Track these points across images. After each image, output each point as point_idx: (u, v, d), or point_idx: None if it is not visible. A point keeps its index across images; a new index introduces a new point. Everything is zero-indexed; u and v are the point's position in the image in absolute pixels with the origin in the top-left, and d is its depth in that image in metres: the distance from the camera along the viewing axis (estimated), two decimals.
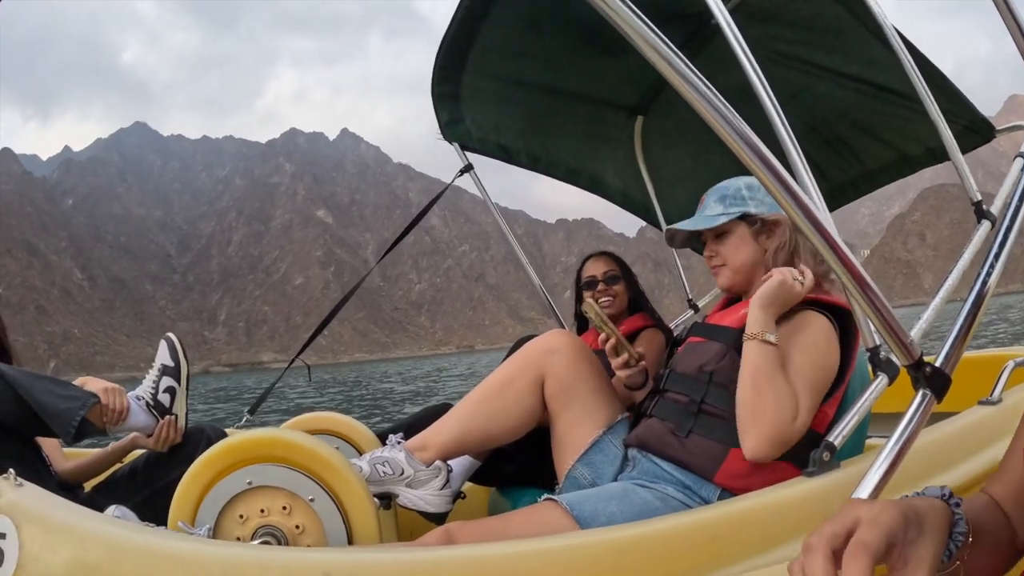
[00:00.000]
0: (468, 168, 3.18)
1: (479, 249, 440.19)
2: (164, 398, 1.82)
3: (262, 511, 1.37)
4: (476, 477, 2.02)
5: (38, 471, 1.75)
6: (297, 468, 1.39)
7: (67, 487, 2.00)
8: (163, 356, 1.85)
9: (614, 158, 3.37)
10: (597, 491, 1.54)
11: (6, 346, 2.14)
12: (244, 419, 2.91)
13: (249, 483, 1.36)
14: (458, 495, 1.81)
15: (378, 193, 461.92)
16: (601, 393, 1.78)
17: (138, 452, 2.07)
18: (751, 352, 1.50)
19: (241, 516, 1.38)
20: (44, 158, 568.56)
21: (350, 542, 1.38)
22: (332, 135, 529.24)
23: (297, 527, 1.37)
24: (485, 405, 1.75)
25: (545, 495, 1.51)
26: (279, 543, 1.35)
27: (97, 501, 1.79)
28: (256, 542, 1.34)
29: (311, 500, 1.37)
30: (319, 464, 1.40)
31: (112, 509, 1.40)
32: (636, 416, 1.79)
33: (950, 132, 2.01)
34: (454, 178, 3.28)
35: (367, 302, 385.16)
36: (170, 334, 1.88)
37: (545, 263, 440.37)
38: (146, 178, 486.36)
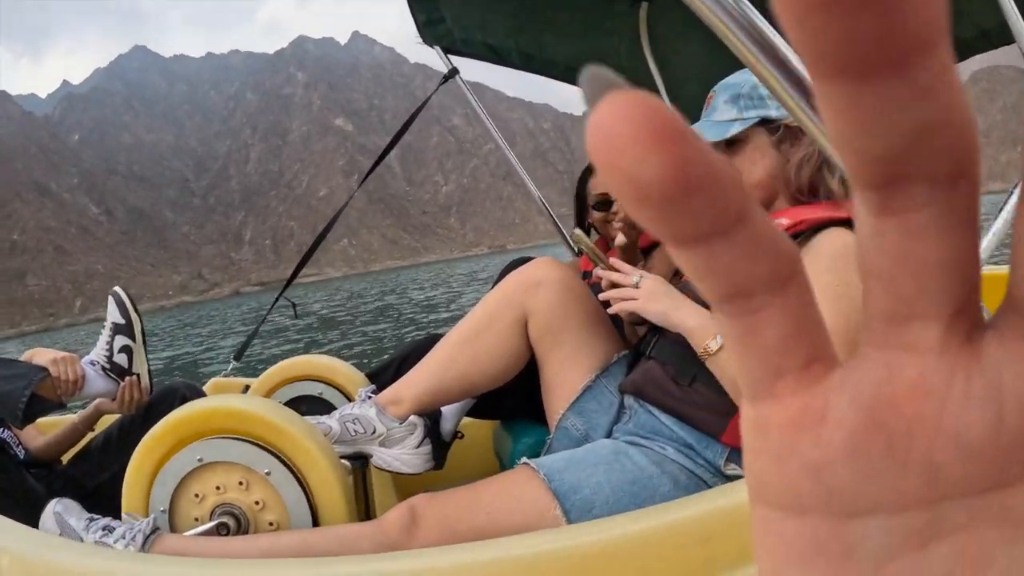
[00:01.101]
0: (453, 73, 2.91)
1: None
2: (121, 359, 1.69)
3: (218, 488, 1.27)
4: (475, 411, 1.81)
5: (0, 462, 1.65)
6: (249, 439, 1.27)
7: (41, 464, 1.92)
8: (113, 314, 1.71)
9: (618, 53, 2.98)
10: (583, 453, 1.33)
11: None
12: (231, 367, 2.81)
13: (200, 460, 1.26)
14: (455, 435, 1.68)
15: (396, 96, 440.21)
16: (595, 330, 1.54)
17: (112, 417, 1.94)
18: (720, 374, 1.27)
19: (197, 495, 1.28)
20: (43, 96, 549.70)
21: (314, 516, 1.27)
22: (343, 39, 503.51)
23: (257, 503, 1.27)
24: (463, 349, 1.52)
25: (523, 459, 1.32)
26: (239, 521, 1.26)
27: (74, 474, 1.79)
28: (214, 522, 1.25)
29: (267, 474, 1.26)
30: (272, 433, 1.28)
31: (53, 504, 1.32)
32: (634, 356, 1.55)
33: (1015, 8, 1.78)
34: (437, 86, 3.00)
35: (394, 208, 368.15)
36: (116, 288, 1.72)
37: (574, 158, 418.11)
38: (153, 103, 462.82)
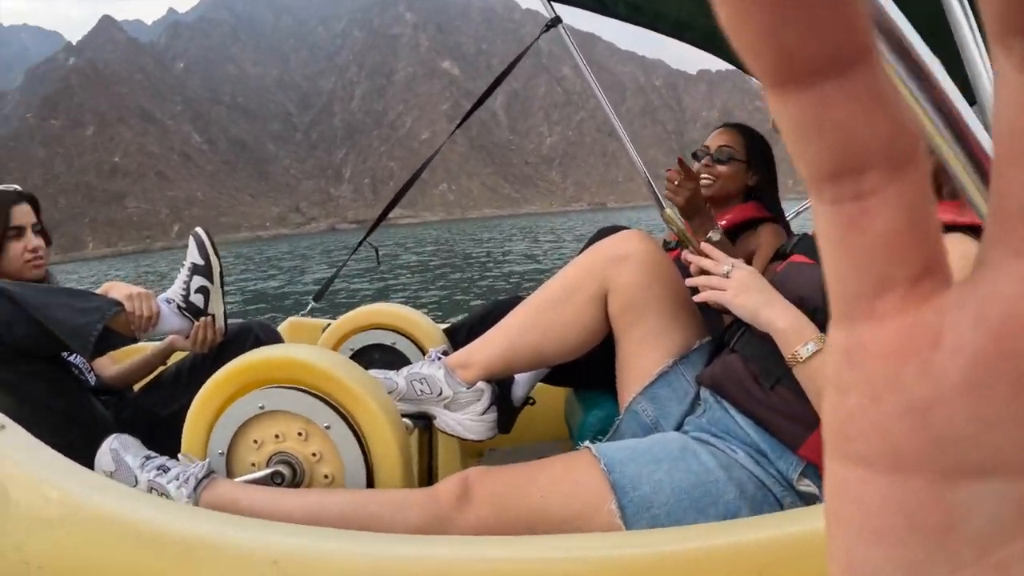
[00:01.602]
0: (556, 22, 2.77)
1: (614, 102, 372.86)
2: (197, 299, 1.69)
3: (277, 436, 1.26)
4: (550, 377, 1.74)
5: (67, 387, 1.66)
6: (311, 391, 1.25)
7: (112, 392, 1.96)
8: (192, 254, 1.71)
9: None
10: (649, 444, 1.25)
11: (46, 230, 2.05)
12: (309, 307, 2.78)
13: (261, 407, 1.25)
14: (526, 401, 1.63)
15: (506, 42, 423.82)
16: (678, 313, 1.44)
17: (184, 353, 1.95)
18: (808, 384, 1.17)
19: (255, 441, 1.28)
20: (148, 23, 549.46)
21: (369, 473, 1.25)
22: None
23: (314, 455, 1.26)
24: (539, 318, 1.45)
25: (586, 443, 1.25)
26: (294, 471, 1.25)
27: (144, 403, 1.83)
28: (270, 470, 1.24)
29: (327, 427, 1.24)
30: (335, 387, 1.26)
31: (110, 440, 1.31)
32: (717, 346, 1.45)
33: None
34: (539, 34, 2.85)
35: (496, 157, 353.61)
36: (198, 229, 1.74)
37: (684, 118, 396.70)
38: (260, 36, 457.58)
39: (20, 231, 1.97)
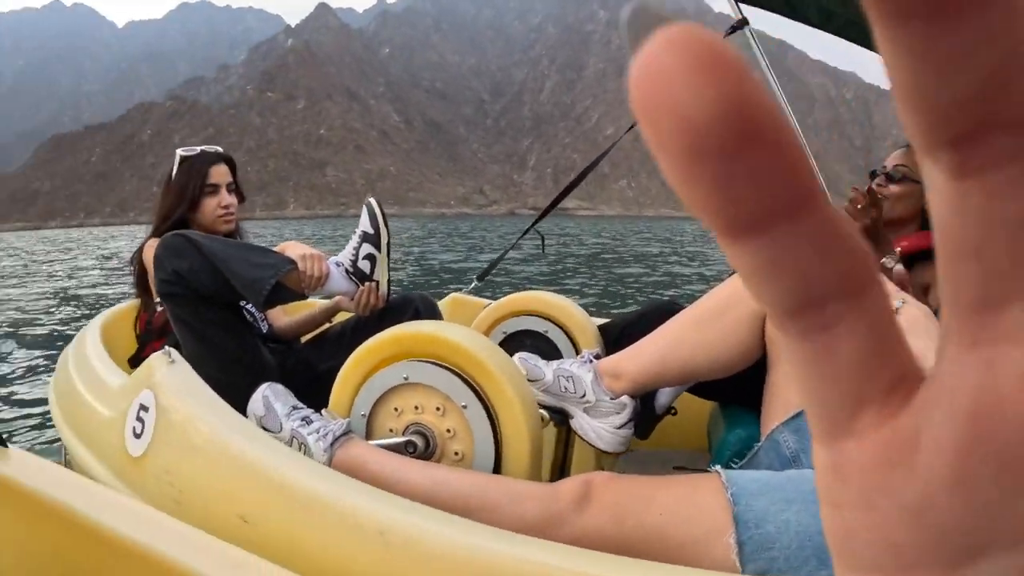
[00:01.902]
0: (742, 24, 2.65)
1: (801, 112, 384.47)
2: (364, 265, 1.77)
3: (416, 408, 1.30)
4: (697, 388, 1.67)
5: (240, 332, 1.77)
6: (454, 370, 1.27)
7: (280, 341, 2.10)
8: (364, 223, 1.77)
9: None
10: (784, 480, 1.14)
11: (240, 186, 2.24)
12: (472, 285, 2.83)
13: (405, 378, 1.29)
14: (668, 410, 1.59)
15: None
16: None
17: (348, 314, 2.06)
18: None
19: (396, 409, 1.31)
20: (360, 10, 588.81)
21: (498, 457, 1.26)
22: None
23: (448, 431, 1.28)
24: (692, 333, 1.40)
25: (716, 467, 1.15)
26: (427, 443, 1.27)
27: (307, 356, 1.96)
28: (405, 438, 1.27)
29: (464, 407, 1.26)
30: (477, 370, 1.27)
31: (264, 387, 1.39)
32: None
33: None
34: (725, 36, 2.60)
35: None
36: (371, 199, 1.79)
37: (873, 135, 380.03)
38: (460, 27, 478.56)
39: (215, 188, 2.14)
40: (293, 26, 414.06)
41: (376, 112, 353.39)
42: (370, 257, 1.75)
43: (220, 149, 2.22)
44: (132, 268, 2.23)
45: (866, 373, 0.14)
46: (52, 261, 24.32)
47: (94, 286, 14.32)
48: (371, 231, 1.75)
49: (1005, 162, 0.12)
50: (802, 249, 0.13)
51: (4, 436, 1.22)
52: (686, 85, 0.11)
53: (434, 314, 1.93)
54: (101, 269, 18.61)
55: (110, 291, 12.73)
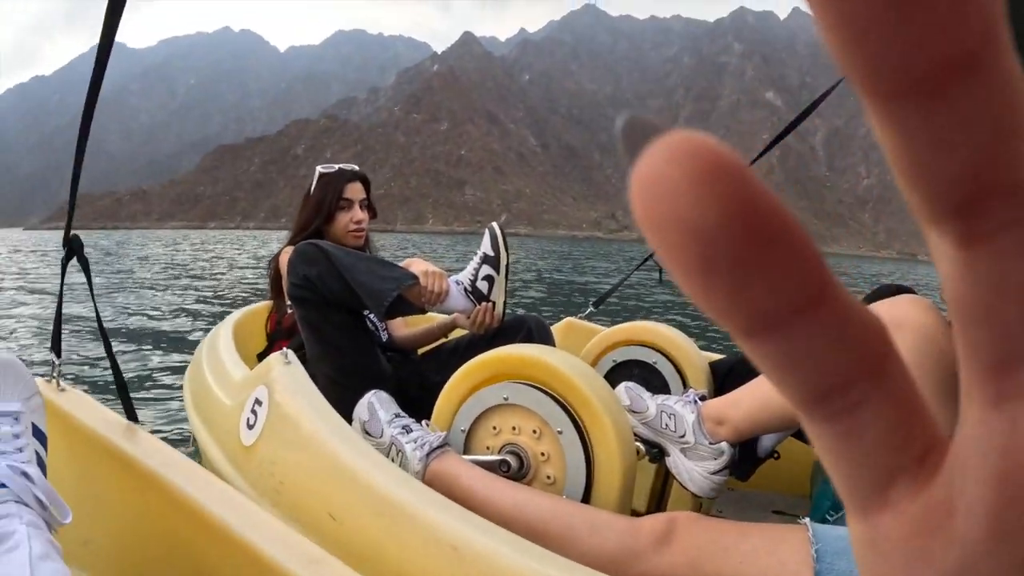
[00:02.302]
0: None
1: None
2: (482, 285, 1.79)
3: (514, 428, 1.30)
4: (800, 433, 1.56)
5: (360, 338, 1.82)
6: (553, 395, 1.27)
7: (397, 350, 2.16)
8: (485, 245, 1.80)
9: None
10: None
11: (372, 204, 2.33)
12: (588, 311, 2.81)
13: (506, 398, 1.30)
14: (771, 453, 1.56)
15: (831, 77, 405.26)
16: (950, 398, 1.00)
17: (463, 331, 2.11)
18: None
19: (494, 428, 1.33)
20: (502, 39, 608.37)
21: (589, 485, 1.24)
22: (783, 14, 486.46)
23: (543, 454, 1.28)
24: None
25: (805, 519, 1.09)
26: (522, 463, 1.28)
27: (421, 367, 2.01)
28: (500, 457, 1.28)
29: (559, 432, 1.25)
30: (576, 397, 1.26)
31: (371, 394, 1.43)
32: None
33: None
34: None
35: (810, 192, 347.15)
36: (494, 224, 1.82)
37: None
38: (597, 56, 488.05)
39: (349, 204, 2.24)
40: (439, 53, 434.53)
41: (515, 135, 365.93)
42: (488, 278, 1.78)
43: (356, 168, 2.32)
44: (268, 272, 2.35)
45: (895, 447, 0.14)
46: (213, 257, 26.64)
47: (237, 283, 15.03)
48: (491, 253, 1.77)
49: (1009, 227, 0.11)
50: (818, 341, 0.12)
51: (137, 413, 1.31)
52: (690, 196, 0.11)
53: (546, 337, 1.95)
54: (253, 269, 19.39)
55: (254, 288, 13.11)
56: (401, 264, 1.80)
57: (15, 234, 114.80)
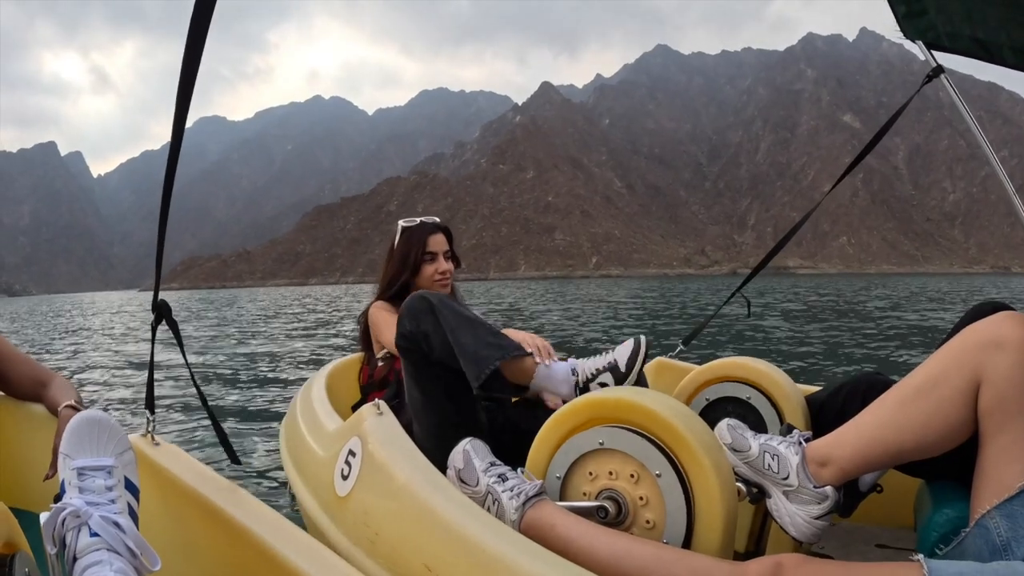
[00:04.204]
0: (938, 72, 2.55)
1: (1020, 156, 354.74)
2: (594, 387, 1.62)
3: (610, 473, 1.24)
4: (906, 466, 1.50)
5: (459, 397, 1.70)
6: (650, 437, 1.21)
7: (494, 400, 1.99)
8: (620, 354, 1.63)
9: None
10: (989, 574, 0.99)
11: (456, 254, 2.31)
12: (678, 349, 2.73)
13: (601, 443, 1.24)
14: (873, 487, 1.46)
15: (906, 93, 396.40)
16: None
17: None
18: None
19: (591, 473, 1.27)
20: (579, 86, 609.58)
21: (690, 528, 1.18)
22: (851, 36, 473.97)
23: (641, 498, 1.21)
24: (899, 413, 1.25)
25: (919, 556, 1.01)
26: (620, 509, 1.22)
27: (514, 416, 1.86)
28: (598, 503, 1.23)
29: (658, 475, 1.19)
30: (673, 438, 1.20)
31: (466, 441, 1.38)
32: None
33: None
34: (921, 85, 2.66)
35: (897, 211, 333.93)
36: (641, 337, 1.65)
37: None
38: (673, 95, 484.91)
39: (433, 256, 2.25)
40: (520, 104, 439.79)
41: (599, 179, 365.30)
42: (604, 386, 1.63)
43: (437, 220, 2.30)
44: (359, 325, 2.32)
45: None
46: (309, 311, 27.66)
47: (335, 336, 15.61)
48: (622, 369, 1.62)
49: None
50: None
51: (238, 453, 1.38)
52: None
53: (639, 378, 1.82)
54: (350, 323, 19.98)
55: (352, 339, 13.52)
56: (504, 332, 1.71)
57: (129, 295, 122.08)
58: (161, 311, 1.38)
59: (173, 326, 1.40)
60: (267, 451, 4.58)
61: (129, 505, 1.09)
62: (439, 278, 2.25)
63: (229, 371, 9.53)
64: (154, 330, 1.41)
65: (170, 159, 1.26)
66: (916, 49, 2.48)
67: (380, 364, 2.16)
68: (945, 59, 2.48)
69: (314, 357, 11.07)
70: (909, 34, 2.41)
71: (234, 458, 1.40)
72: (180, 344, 1.41)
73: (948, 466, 1.38)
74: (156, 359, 1.47)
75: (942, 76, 2.50)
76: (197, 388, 1.47)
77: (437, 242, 2.26)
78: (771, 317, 18.58)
